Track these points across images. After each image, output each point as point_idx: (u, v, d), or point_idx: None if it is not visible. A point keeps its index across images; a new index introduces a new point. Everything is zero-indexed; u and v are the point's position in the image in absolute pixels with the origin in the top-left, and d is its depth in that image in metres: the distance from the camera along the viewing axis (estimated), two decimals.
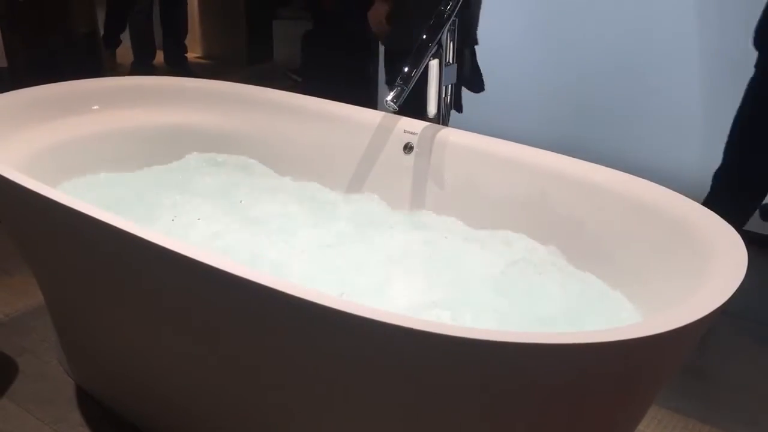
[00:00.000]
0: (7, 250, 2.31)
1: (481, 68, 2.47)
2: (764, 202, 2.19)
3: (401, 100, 1.64)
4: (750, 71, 2.10)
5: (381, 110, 1.86)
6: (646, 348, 0.98)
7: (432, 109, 1.81)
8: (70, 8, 3.18)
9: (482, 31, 2.45)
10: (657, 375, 1.11)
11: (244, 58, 5.18)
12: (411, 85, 1.65)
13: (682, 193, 1.39)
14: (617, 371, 1.02)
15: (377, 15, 2.44)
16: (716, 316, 1.04)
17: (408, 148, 1.79)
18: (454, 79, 1.82)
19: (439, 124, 1.81)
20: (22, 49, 3.04)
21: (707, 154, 2.66)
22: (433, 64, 1.75)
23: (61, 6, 3.13)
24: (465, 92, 2.47)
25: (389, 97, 1.64)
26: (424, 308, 1.33)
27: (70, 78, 2.02)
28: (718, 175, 2.18)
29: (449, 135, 1.76)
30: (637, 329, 0.97)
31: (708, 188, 2.18)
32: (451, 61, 1.78)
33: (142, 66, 4.54)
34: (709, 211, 1.32)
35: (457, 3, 1.70)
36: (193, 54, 5.27)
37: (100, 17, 3.88)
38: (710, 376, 1.93)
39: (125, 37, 4.62)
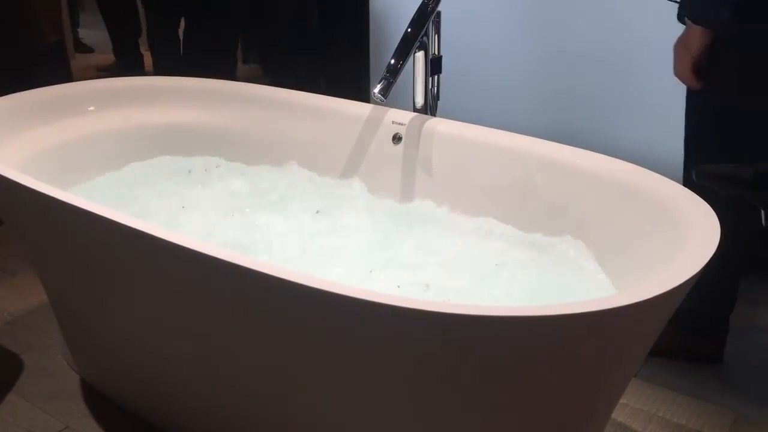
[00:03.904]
0: (9, 252, 2.36)
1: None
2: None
3: (389, 92, 1.69)
4: None
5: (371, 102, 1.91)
6: (620, 318, 1.03)
7: (419, 100, 1.86)
8: (37, 17, 3.08)
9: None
10: (633, 345, 1.17)
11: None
12: (397, 78, 1.70)
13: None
14: (595, 341, 1.07)
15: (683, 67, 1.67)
16: (686, 290, 1.10)
17: (397, 138, 1.84)
18: (439, 71, 1.86)
19: (426, 114, 1.86)
20: None
21: None
22: (419, 56, 1.80)
23: (26, 15, 3.04)
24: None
25: (377, 90, 1.69)
26: (412, 291, 1.38)
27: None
28: None
29: (437, 125, 1.81)
30: (609, 301, 1.02)
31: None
32: (436, 53, 1.83)
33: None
34: (684, 188, 1.37)
35: None
36: None
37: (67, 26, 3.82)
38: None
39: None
